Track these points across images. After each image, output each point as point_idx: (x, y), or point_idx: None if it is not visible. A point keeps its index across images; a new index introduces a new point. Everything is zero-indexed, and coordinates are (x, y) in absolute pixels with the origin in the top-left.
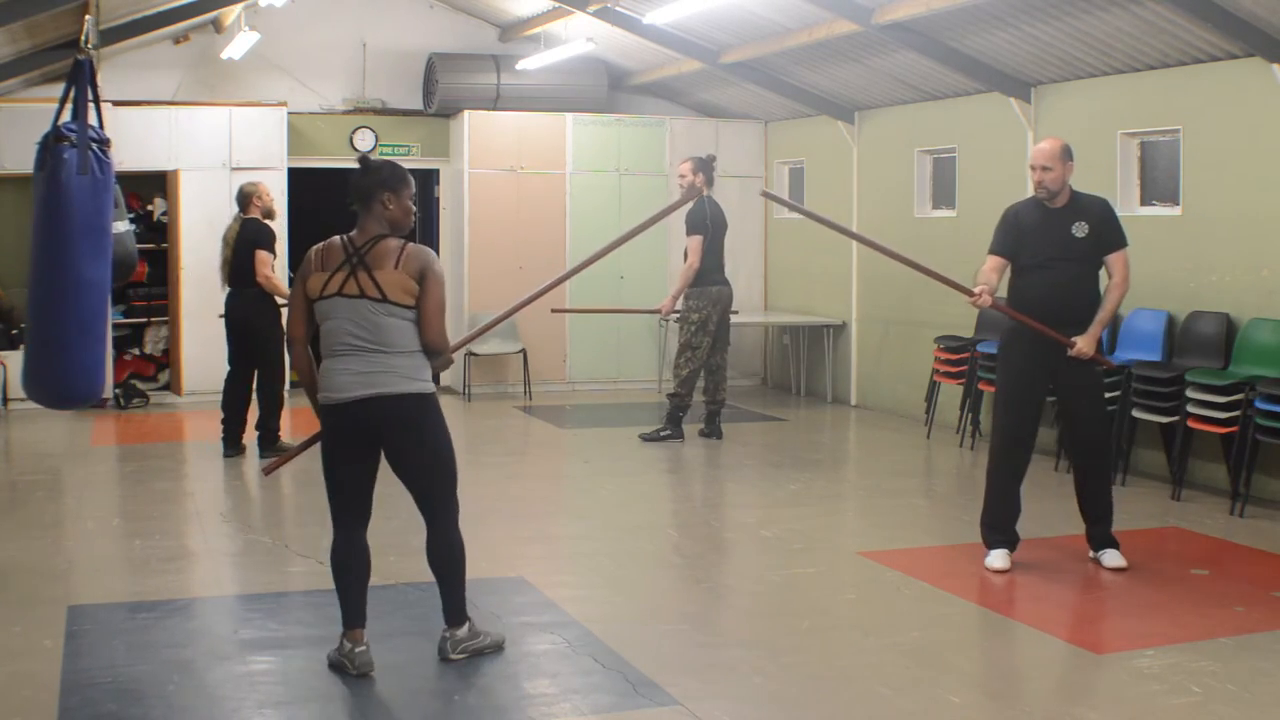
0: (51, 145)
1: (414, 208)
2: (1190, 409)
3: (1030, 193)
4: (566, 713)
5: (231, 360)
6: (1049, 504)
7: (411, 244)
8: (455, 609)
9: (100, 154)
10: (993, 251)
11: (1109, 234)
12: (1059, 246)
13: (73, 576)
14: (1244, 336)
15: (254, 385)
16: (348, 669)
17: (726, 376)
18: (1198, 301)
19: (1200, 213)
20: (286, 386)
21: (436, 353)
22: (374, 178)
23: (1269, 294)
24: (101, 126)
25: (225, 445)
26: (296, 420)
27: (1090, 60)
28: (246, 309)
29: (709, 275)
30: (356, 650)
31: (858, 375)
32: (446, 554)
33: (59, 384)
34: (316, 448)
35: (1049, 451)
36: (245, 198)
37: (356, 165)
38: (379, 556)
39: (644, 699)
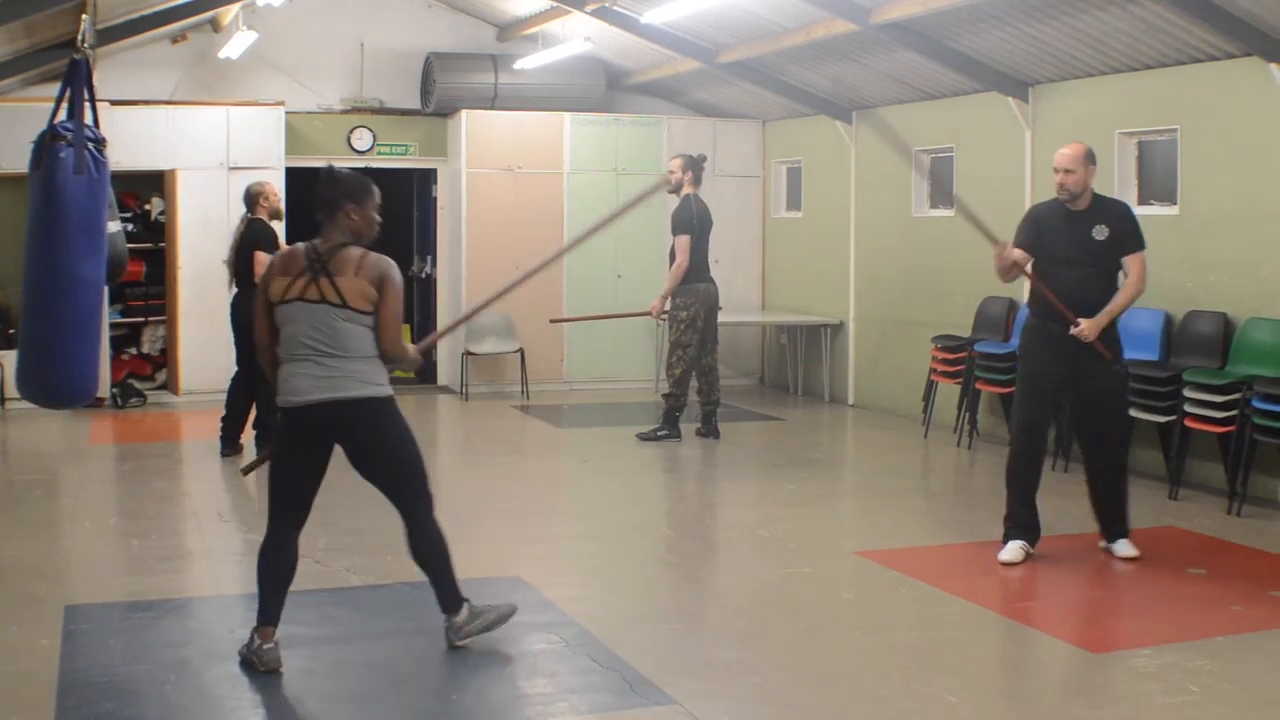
0: (47, 144)
1: (378, 219)
2: (1188, 408)
3: (1029, 192)
4: (564, 712)
5: (239, 360)
6: (1049, 503)
7: (372, 253)
8: (449, 597)
9: (96, 153)
10: (1016, 245)
11: (1128, 236)
12: (1079, 248)
13: (70, 576)
14: (1241, 336)
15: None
16: (255, 666)
17: (719, 375)
18: (1195, 301)
19: (1198, 212)
20: None
21: (392, 359)
22: (339, 189)
23: (1267, 294)
24: (97, 126)
25: (223, 444)
26: None
27: (1088, 60)
28: (247, 309)
29: (694, 273)
30: (265, 647)
31: (855, 375)
32: (429, 547)
33: (52, 383)
34: None
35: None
36: (252, 198)
37: (321, 175)
38: (377, 556)
39: (641, 698)
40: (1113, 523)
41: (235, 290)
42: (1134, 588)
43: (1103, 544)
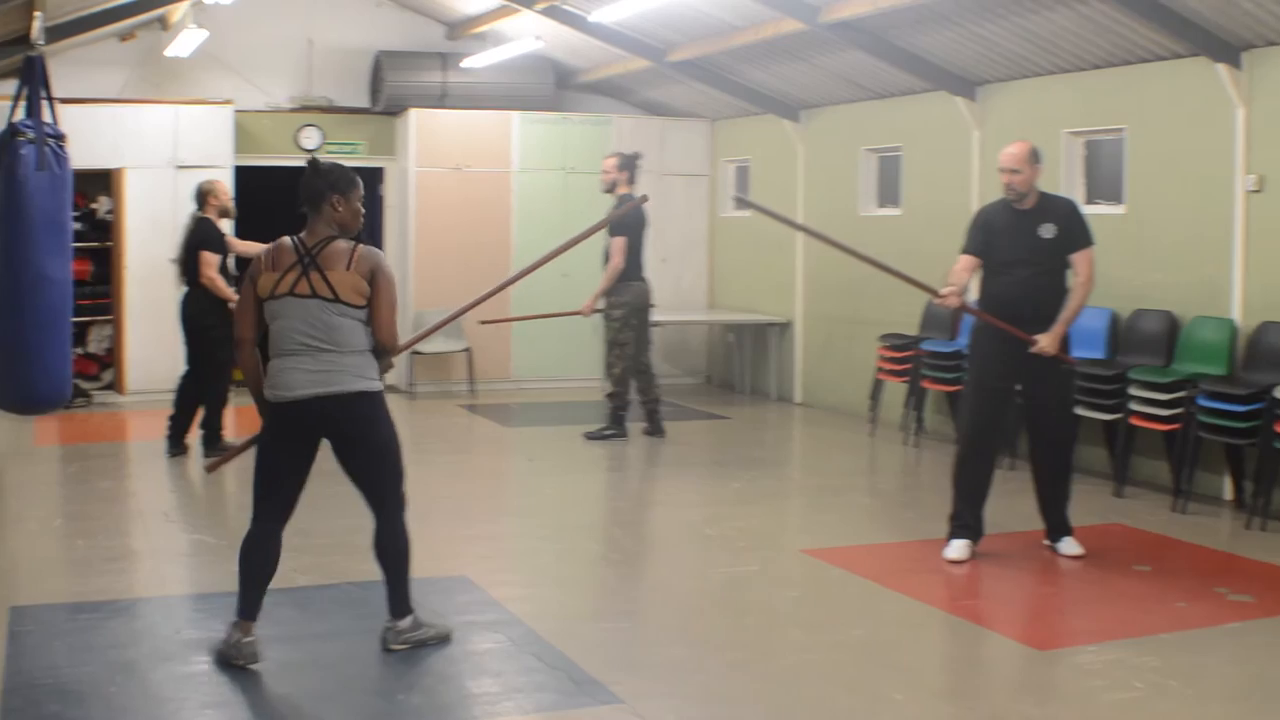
0: (7, 142)
1: (362, 210)
2: (1133, 406)
3: (976, 192)
4: (510, 711)
5: (187, 360)
6: (995, 501)
7: (362, 245)
8: (400, 601)
9: (57, 150)
10: (965, 251)
11: (1075, 233)
12: (1027, 248)
13: (15, 577)
14: (1187, 335)
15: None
16: (234, 659)
17: (654, 374)
18: (1141, 300)
19: (1144, 211)
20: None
21: (387, 352)
22: (323, 180)
23: (1212, 293)
24: (56, 123)
25: (169, 444)
26: (240, 419)
27: (1036, 59)
28: (194, 307)
29: (628, 272)
30: (244, 641)
31: (802, 373)
32: (393, 546)
33: (23, 387)
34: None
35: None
36: (202, 196)
37: (306, 167)
38: (325, 556)
39: (587, 697)
40: (1057, 522)
41: (185, 289)
42: (1079, 585)
43: (1046, 543)
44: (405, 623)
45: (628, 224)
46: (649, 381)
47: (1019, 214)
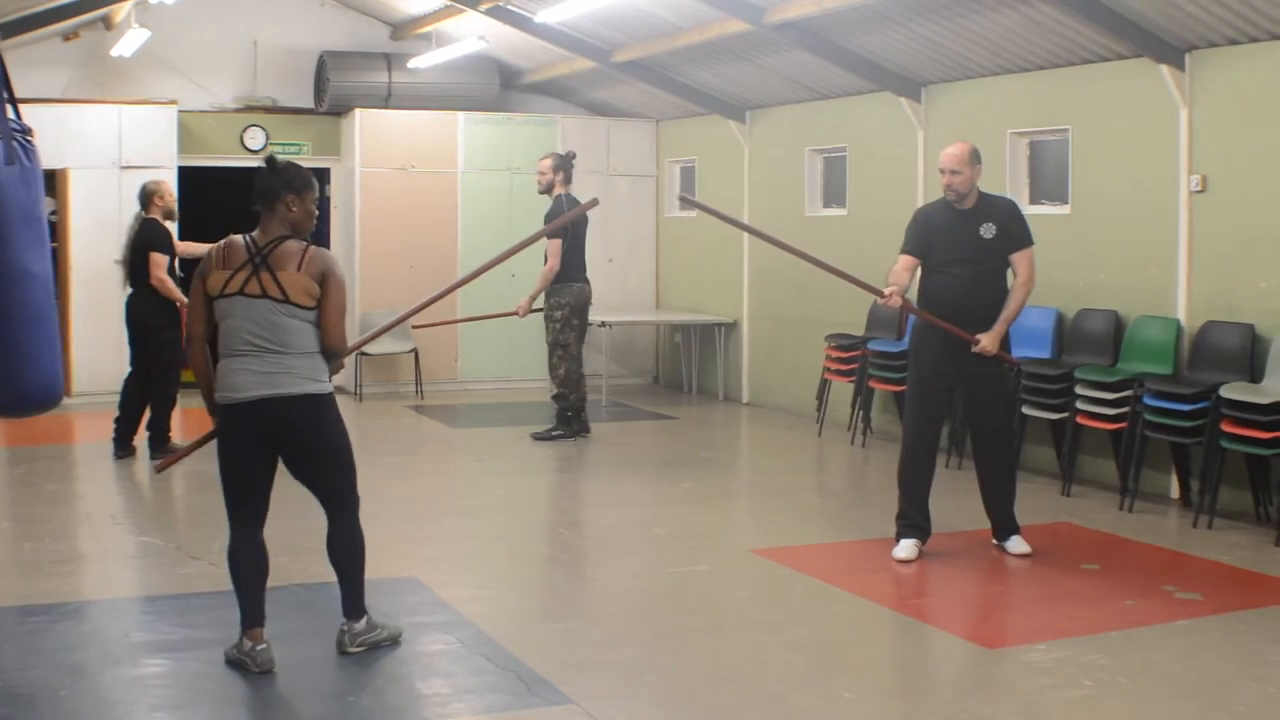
0: None
1: (316, 211)
2: (1079, 405)
3: (921, 192)
4: (460, 713)
5: (133, 361)
6: (943, 500)
7: (314, 246)
8: (354, 602)
9: (25, 143)
10: (904, 251)
11: (1016, 233)
12: (968, 248)
13: None
14: (1132, 334)
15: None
16: (249, 667)
17: (583, 374)
18: (1087, 299)
19: (1089, 211)
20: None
21: (335, 355)
22: (279, 178)
23: (1157, 292)
24: (20, 117)
25: (116, 447)
26: (187, 421)
27: (980, 60)
28: (141, 309)
29: (569, 272)
30: (257, 649)
31: (749, 373)
32: (348, 547)
33: (16, 387)
34: (209, 448)
35: (943, 449)
36: (147, 196)
37: (262, 165)
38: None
39: (538, 698)
40: (1004, 521)
41: (130, 290)
42: (1027, 583)
43: (995, 542)
44: (360, 624)
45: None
46: (579, 380)
47: (959, 214)
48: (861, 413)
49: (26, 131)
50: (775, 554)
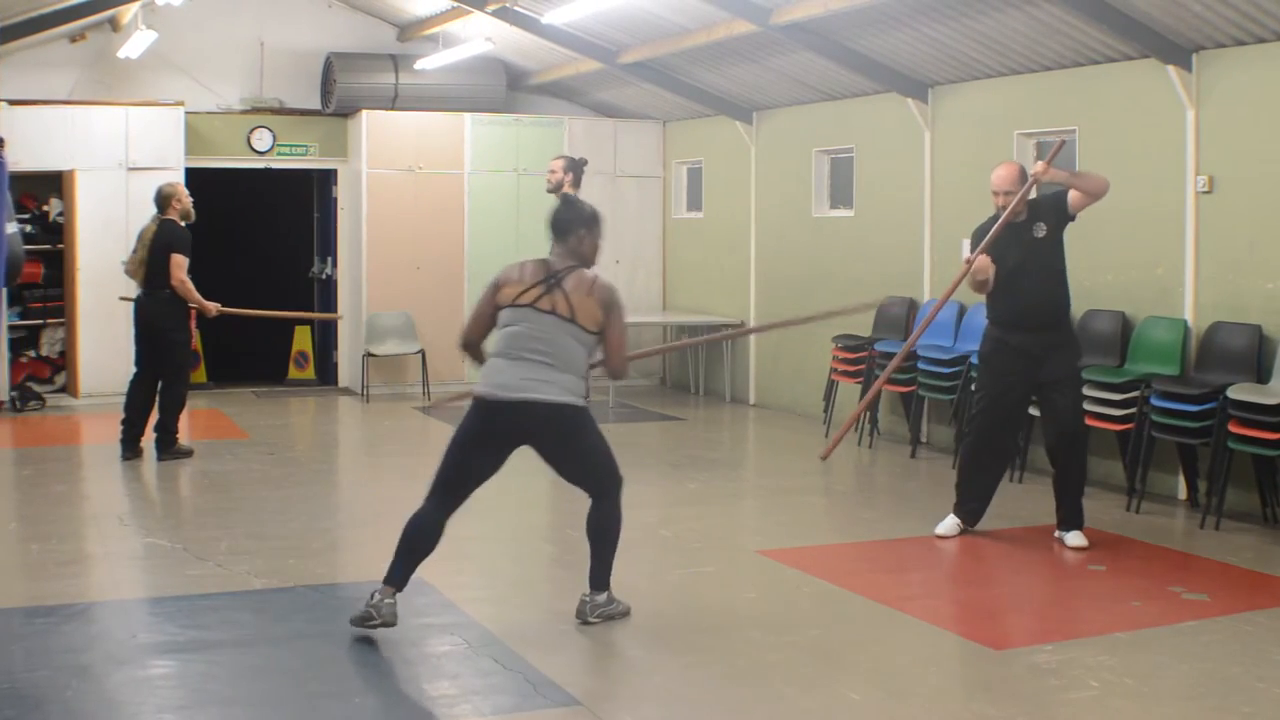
0: None
1: (601, 246)
2: (1087, 407)
3: (928, 192)
4: (467, 714)
5: (138, 362)
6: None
7: (601, 278)
8: (601, 575)
9: None
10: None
11: (1060, 202)
12: (1024, 253)
13: None
14: (1139, 335)
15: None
16: (373, 619)
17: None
18: (1093, 300)
19: (1095, 212)
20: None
21: (616, 376)
22: (575, 214)
23: (1164, 293)
24: None
25: (123, 448)
26: (194, 423)
27: (987, 61)
28: (156, 310)
29: None
30: (386, 601)
31: (756, 375)
32: (604, 524)
33: None
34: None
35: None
36: (165, 199)
37: (560, 200)
38: (280, 559)
39: (544, 699)
40: (1071, 514)
41: (141, 290)
42: (1035, 584)
43: (1057, 534)
44: (602, 597)
45: None
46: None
47: (1013, 226)
48: (868, 414)
49: None
50: (782, 555)
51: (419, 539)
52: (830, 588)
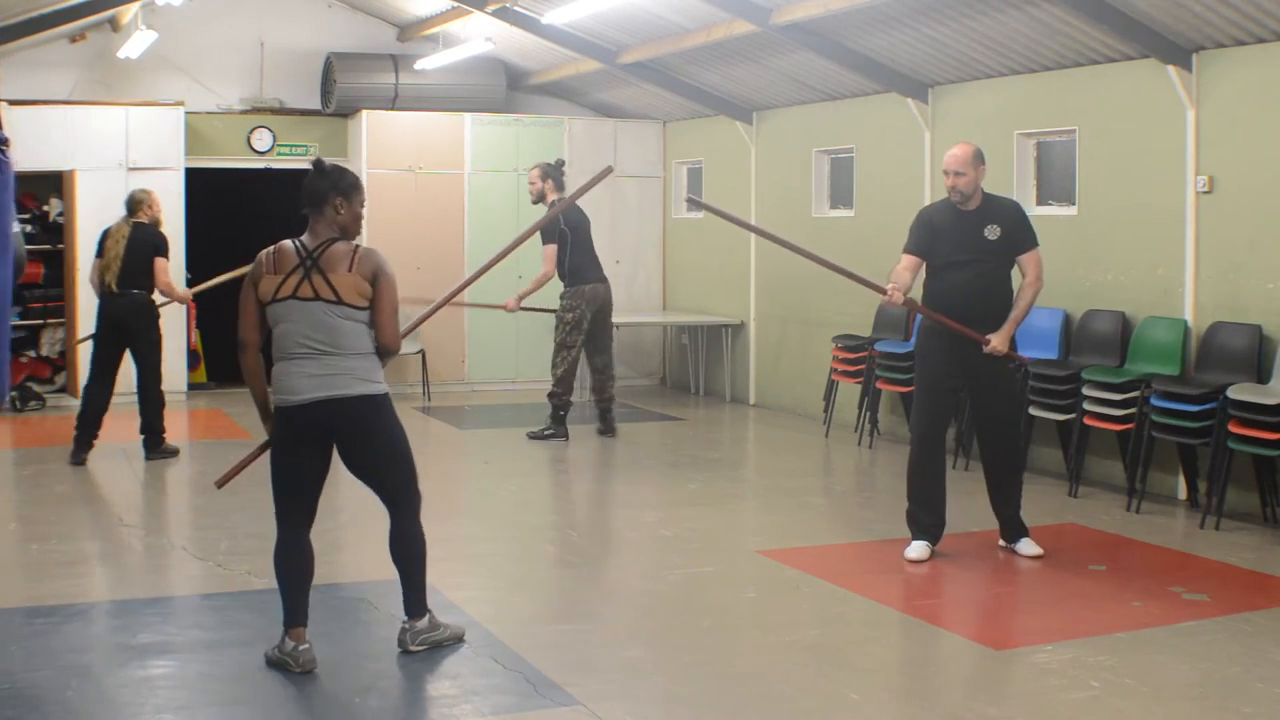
0: None
1: (363, 213)
2: (1087, 406)
3: (928, 193)
4: (468, 714)
5: (96, 362)
6: (950, 501)
7: (363, 247)
8: (416, 601)
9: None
10: (907, 251)
11: (1021, 235)
12: (971, 249)
13: None
14: (1139, 335)
15: (115, 391)
16: (291, 667)
17: (613, 375)
18: (1094, 300)
19: (1096, 212)
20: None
21: (390, 353)
22: (326, 181)
23: (1164, 293)
24: (0, 126)
25: (76, 451)
26: (195, 423)
27: (987, 61)
28: (131, 310)
29: (583, 273)
30: (300, 648)
31: (756, 375)
32: (407, 545)
33: None
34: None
35: (948, 450)
36: (137, 203)
37: (310, 169)
38: (263, 559)
39: (545, 699)
40: (1011, 521)
41: (114, 292)
42: (1035, 584)
43: (1002, 543)
44: (423, 623)
45: (556, 231)
46: (604, 381)
47: (963, 214)
48: (868, 414)
49: (4, 142)
50: (782, 555)
51: (293, 567)
52: (830, 588)
